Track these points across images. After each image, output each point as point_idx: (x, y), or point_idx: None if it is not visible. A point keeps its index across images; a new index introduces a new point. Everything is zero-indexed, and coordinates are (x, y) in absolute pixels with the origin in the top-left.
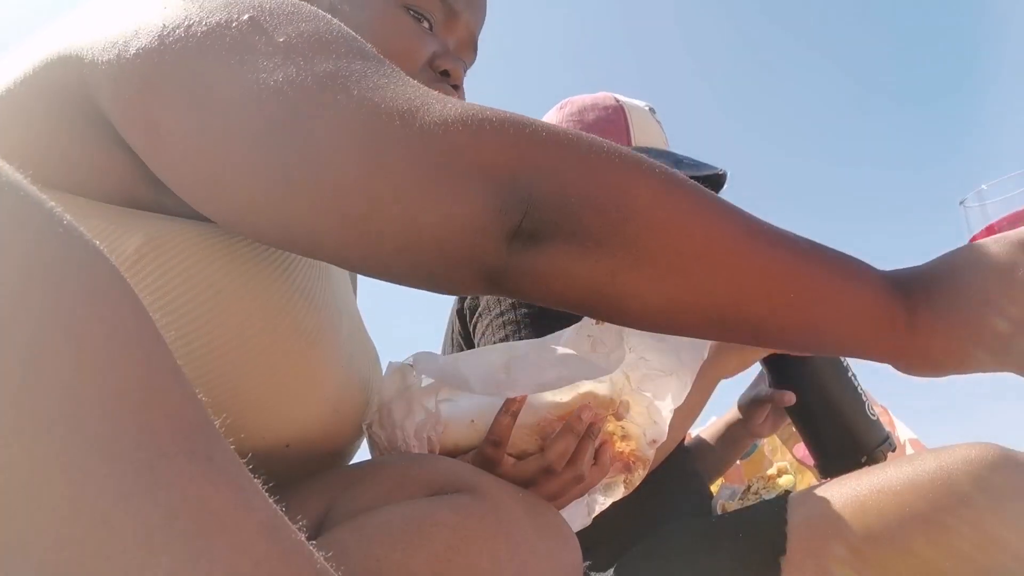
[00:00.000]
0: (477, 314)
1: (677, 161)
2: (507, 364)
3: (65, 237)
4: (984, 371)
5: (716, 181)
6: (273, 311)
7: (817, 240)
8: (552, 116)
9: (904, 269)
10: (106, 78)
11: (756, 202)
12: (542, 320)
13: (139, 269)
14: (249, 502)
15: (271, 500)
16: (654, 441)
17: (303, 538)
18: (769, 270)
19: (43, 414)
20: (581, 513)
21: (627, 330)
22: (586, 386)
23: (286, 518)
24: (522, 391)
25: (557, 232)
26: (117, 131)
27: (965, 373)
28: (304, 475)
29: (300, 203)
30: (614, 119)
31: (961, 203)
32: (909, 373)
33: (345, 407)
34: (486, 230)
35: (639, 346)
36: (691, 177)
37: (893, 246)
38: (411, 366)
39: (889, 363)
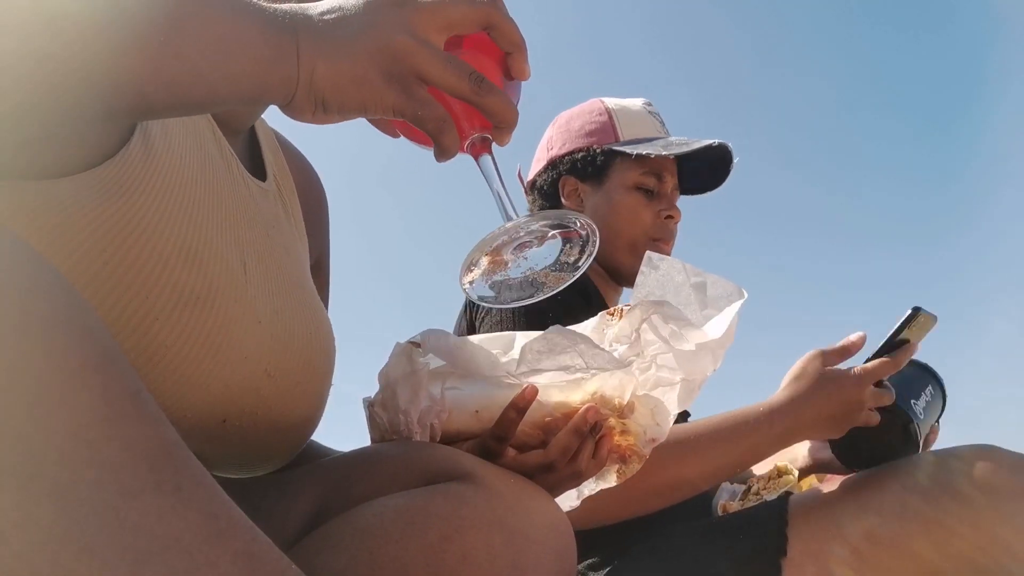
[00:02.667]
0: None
1: (667, 144)
2: (521, 348)
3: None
4: (367, 112)
5: (722, 159)
6: (145, 279)
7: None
8: (546, 134)
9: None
10: None
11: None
12: (537, 314)
13: None
14: (223, 531)
15: (247, 520)
16: (653, 440)
17: (286, 559)
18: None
19: None
20: (570, 496)
21: (644, 329)
22: (593, 385)
23: (266, 537)
24: (531, 375)
25: None
26: None
27: (349, 111)
28: (268, 459)
29: None
30: (600, 120)
31: None
32: (299, 116)
33: (279, 371)
34: None
35: (652, 349)
36: (684, 155)
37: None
38: (418, 346)
39: (281, 103)
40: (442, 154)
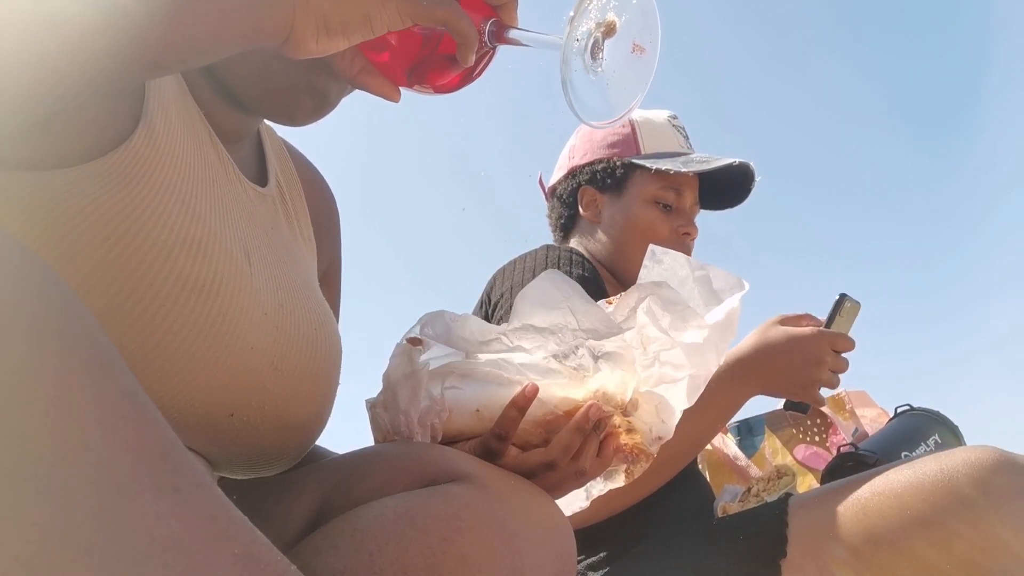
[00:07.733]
0: (493, 304)
1: (688, 160)
2: (516, 298)
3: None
4: (373, 25)
5: (743, 177)
6: (148, 268)
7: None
8: (569, 142)
9: None
10: None
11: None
12: None
13: None
14: (223, 532)
15: (247, 521)
16: (659, 438)
17: (285, 560)
18: None
19: None
20: (579, 496)
21: (646, 326)
22: (596, 382)
23: (265, 538)
24: (518, 351)
25: None
26: None
27: (353, 28)
28: (276, 459)
29: None
30: (622, 132)
31: None
32: (302, 47)
33: (285, 364)
34: None
35: (655, 347)
36: (705, 172)
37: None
38: (418, 343)
39: (281, 36)
40: (464, 45)
